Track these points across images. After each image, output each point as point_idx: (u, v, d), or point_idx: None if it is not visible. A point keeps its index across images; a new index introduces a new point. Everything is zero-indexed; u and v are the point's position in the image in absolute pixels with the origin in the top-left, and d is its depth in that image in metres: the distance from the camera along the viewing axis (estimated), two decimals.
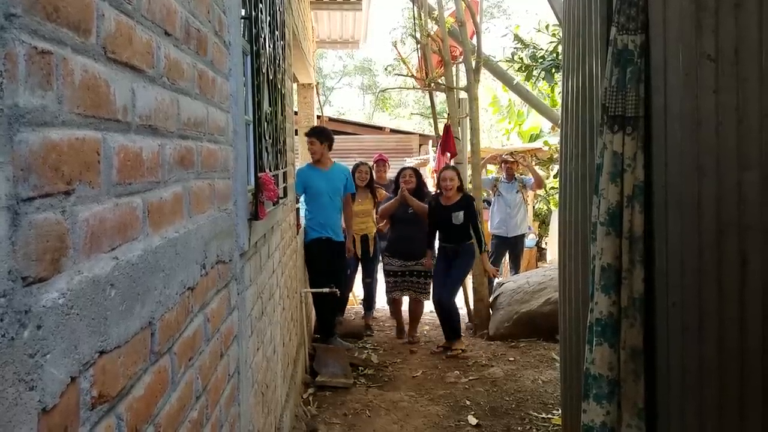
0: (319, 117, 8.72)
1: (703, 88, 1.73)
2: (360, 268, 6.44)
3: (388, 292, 5.87)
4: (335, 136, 13.36)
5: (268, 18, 2.43)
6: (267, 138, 2.34)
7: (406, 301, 5.94)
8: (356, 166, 6.26)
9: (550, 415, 4.03)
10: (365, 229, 6.17)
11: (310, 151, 5.42)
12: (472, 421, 3.96)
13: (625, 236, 1.98)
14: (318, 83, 8.23)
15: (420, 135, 13.65)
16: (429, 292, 5.67)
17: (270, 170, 2.47)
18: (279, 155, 2.80)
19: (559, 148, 2.91)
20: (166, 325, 1.17)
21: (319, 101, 8.07)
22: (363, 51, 29.64)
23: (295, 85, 7.72)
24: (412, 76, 6.79)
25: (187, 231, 1.32)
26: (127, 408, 0.99)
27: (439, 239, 5.56)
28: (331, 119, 13.19)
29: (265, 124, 2.30)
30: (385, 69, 7.76)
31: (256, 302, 2.40)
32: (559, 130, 3.41)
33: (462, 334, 5.60)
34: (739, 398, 1.67)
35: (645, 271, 1.98)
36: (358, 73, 31.70)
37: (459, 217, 5.31)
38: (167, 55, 1.23)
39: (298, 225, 4.91)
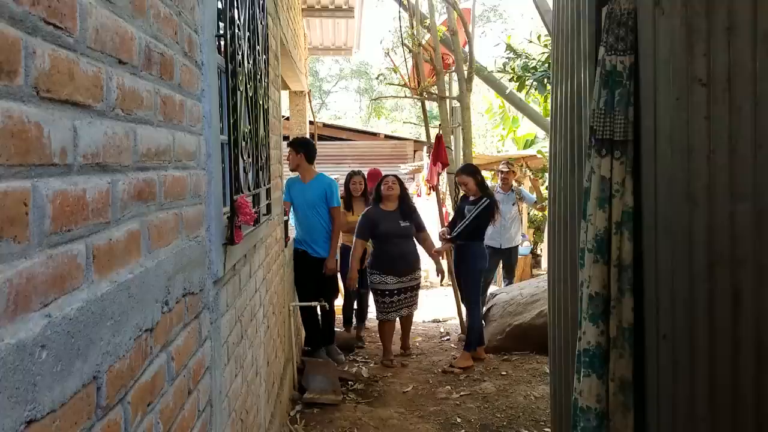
0: (311, 123, 8.65)
1: (694, 113, 1.66)
2: None
3: (384, 312, 5.40)
4: (329, 142, 13.32)
5: (248, 33, 2.35)
6: (245, 157, 2.26)
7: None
8: (349, 177, 6.12)
9: None
10: None
11: (289, 164, 5.25)
12: None
13: (614, 264, 1.90)
14: (310, 90, 8.15)
15: (415, 141, 13.58)
16: (416, 303, 5.57)
17: (249, 190, 2.39)
18: (260, 173, 2.72)
19: (548, 164, 2.84)
20: (116, 376, 1.09)
21: (311, 108, 8.00)
22: (359, 55, 29.60)
23: (286, 93, 7.65)
24: (405, 85, 6.72)
25: (144, 270, 1.24)
26: None
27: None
28: (325, 125, 13.12)
29: (243, 143, 2.22)
30: (377, 78, 7.68)
31: (234, 327, 2.31)
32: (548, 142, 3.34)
33: (474, 348, 5.38)
34: None
35: (634, 301, 1.91)
36: (354, 76, 31.67)
37: (471, 210, 5.39)
38: (120, 86, 1.14)
39: (287, 237, 4.82)
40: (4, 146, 0.76)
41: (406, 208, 5.45)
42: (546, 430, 3.98)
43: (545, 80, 5.74)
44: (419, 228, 5.51)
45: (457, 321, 6.47)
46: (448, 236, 5.43)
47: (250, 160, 2.39)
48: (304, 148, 5.21)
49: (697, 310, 1.67)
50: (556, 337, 2.77)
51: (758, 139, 1.49)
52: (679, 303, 1.74)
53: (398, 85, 6.82)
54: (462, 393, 4.68)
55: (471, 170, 5.58)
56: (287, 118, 8.12)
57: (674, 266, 1.75)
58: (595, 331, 1.94)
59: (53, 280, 0.88)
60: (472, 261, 5.42)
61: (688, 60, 1.66)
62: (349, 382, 4.90)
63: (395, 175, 5.67)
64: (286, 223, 4.74)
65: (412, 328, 5.91)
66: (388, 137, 13.97)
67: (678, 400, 1.78)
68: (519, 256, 9.17)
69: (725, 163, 1.58)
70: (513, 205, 6.88)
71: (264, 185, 2.87)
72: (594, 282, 1.94)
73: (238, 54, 2.12)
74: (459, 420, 4.19)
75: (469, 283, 5.45)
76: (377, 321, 5.55)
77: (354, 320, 6.47)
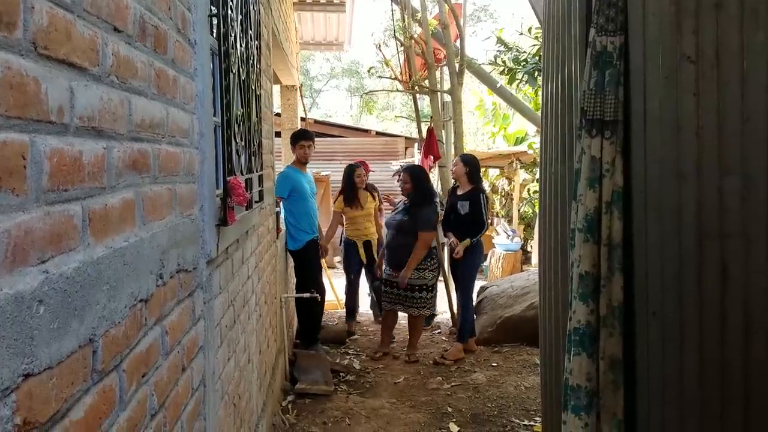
0: (303, 119, 8.64)
1: (683, 90, 1.68)
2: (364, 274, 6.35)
3: (382, 300, 5.42)
4: (320, 139, 13.42)
5: (240, 16, 2.36)
6: (238, 140, 2.27)
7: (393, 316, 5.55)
8: (353, 169, 6.06)
9: (532, 423, 3.98)
10: (368, 234, 6.10)
11: (308, 156, 5.37)
12: (454, 428, 3.90)
13: (604, 243, 1.92)
14: (302, 85, 8.14)
15: (406, 138, 13.60)
16: (424, 307, 5.24)
17: (242, 174, 2.40)
18: (253, 158, 2.72)
19: (539, 152, 2.86)
20: (112, 342, 1.09)
21: (303, 103, 7.99)
22: (351, 53, 29.60)
23: (278, 87, 7.63)
24: (396, 78, 6.73)
25: (139, 239, 1.24)
26: None
27: (449, 229, 5.53)
28: (316, 122, 13.10)
29: (236, 126, 2.22)
30: (368, 71, 7.68)
31: (227, 310, 2.32)
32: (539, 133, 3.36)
33: (466, 340, 5.38)
34: (720, 411, 1.62)
35: (624, 279, 1.93)
36: (345, 75, 31.60)
37: (465, 206, 5.36)
38: (116, 53, 1.15)
39: (279, 229, 4.83)
40: (4, 97, 0.76)
41: (412, 202, 5.19)
42: (536, 419, 4.01)
43: (536, 73, 5.77)
44: (419, 226, 5.12)
45: (448, 314, 6.50)
46: (472, 241, 5.33)
47: (243, 143, 2.39)
48: (314, 140, 5.48)
49: (686, 287, 1.70)
50: (546, 327, 2.79)
51: (745, 114, 1.52)
52: (668, 280, 1.76)
53: (390, 78, 6.83)
54: (453, 384, 4.71)
55: (467, 159, 5.59)
56: (278, 114, 8.10)
57: (663, 243, 1.77)
58: (585, 310, 1.96)
59: (50, 237, 0.88)
60: (475, 255, 5.46)
61: (677, 38, 1.68)
62: (341, 374, 4.91)
63: (409, 170, 5.45)
64: (277, 214, 4.75)
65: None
66: (379, 134, 13.97)
67: (668, 377, 1.80)
68: (510, 252, 9.25)
69: (713, 139, 1.60)
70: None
71: (256, 171, 2.88)
72: (584, 261, 1.96)
73: (230, 35, 2.12)
74: (450, 410, 4.21)
75: (467, 276, 5.44)
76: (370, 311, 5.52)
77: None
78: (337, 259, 10.66)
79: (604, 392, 1.95)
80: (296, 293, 5.33)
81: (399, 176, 5.98)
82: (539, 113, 7.28)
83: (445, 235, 5.72)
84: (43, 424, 0.85)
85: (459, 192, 5.55)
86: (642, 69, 1.83)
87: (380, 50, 7.03)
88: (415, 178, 5.27)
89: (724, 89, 1.57)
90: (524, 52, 6.18)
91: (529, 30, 6.10)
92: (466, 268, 5.43)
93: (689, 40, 1.65)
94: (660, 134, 1.77)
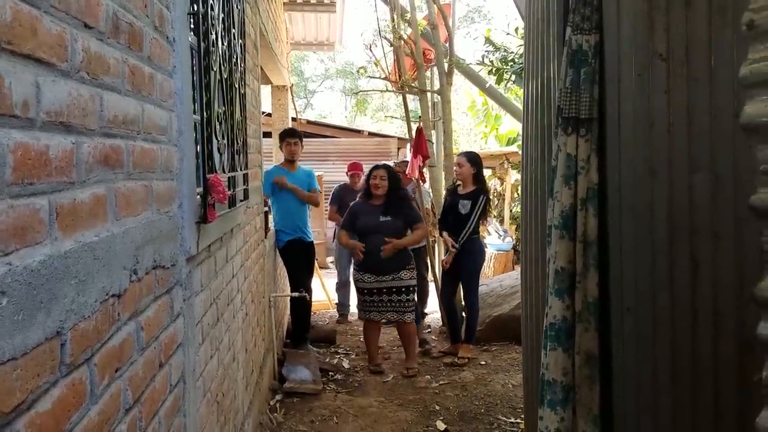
0: (294, 119, 8.64)
1: (655, 88, 1.70)
2: None
3: (365, 311, 5.00)
4: (313, 140, 13.37)
5: (222, 15, 2.37)
6: (219, 138, 2.28)
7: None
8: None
9: (518, 420, 4.00)
10: None
11: (293, 152, 5.41)
12: (441, 426, 3.92)
13: (579, 240, 1.94)
14: (293, 85, 8.14)
15: (398, 138, 13.61)
16: (413, 310, 4.94)
17: (224, 172, 2.40)
18: (237, 156, 2.73)
19: (521, 152, 2.88)
20: (82, 335, 1.10)
21: (294, 103, 7.99)
22: (345, 54, 29.53)
23: (269, 88, 7.64)
24: (386, 78, 6.75)
25: (110, 234, 1.25)
26: (28, 424, 0.92)
27: (447, 229, 5.39)
28: (309, 122, 13.11)
29: (217, 124, 2.23)
30: (358, 71, 7.70)
31: (209, 308, 2.32)
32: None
33: (472, 340, 5.35)
34: (692, 406, 1.64)
35: (599, 275, 1.95)
36: (339, 76, 31.58)
37: (466, 206, 5.23)
38: (86, 49, 1.16)
39: (267, 228, 4.84)
40: None
41: (391, 201, 4.89)
42: (523, 416, 4.03)
43: (523, 73, 5.79)
44: (409, 222, 4.94)
45: (438, 314, 6.51)
46: (455, 247, 5.22)
47: (225, 141, 2.40)
48: (301, 139, 5.54)
49: (659, 283, 1.72)
50: (527, 325, 2.81)
51: (713, 111, 1.54)
52: (641, 276, 1.78)
53: (380, 78, 6.85)
54: (441, 382, 4.73)
55: (474, 159, 5.44)
56: (269, 114, 8.11)
57: (637, 240, 1.79)
58: (561, 306, 1.98)
59: (14, 230, 0.89)
60: (477, 255, 5.41)
61: (649, 36, 1.70)
62: (330, 373, 4.92)
63: (386, 167, 5.11)
64: (265, 213, 4.76)
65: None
66: (372, 134, 13.99)
67: (642, 373, 1.82)
68: (503, 251, 9.27)
69: (683, 136, 1.62)
70: None
71: (240, 169, 2.89)
72: (560, 257, 1.98)
73: (211, 33, 2.13)
74: (438, 408, 4.23)
75: (473, 277, 5.34)
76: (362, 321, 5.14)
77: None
78: (330, 259, 10.66)
79: (580, 387, 1.97)
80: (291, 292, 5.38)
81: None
82: None
83: (441, 235, 5.68)
84: (7, 414, 0.86)
85: (461, 191, 5.40)
86: (616, 67, 1.86)
87: (370, 50, 7.05)
88: (392, 177, 5.00)
89: (693, 86, 1.59)
90: (512, 52, 6.21)
91: (516, 30, 6.13)
92: (469, 269, 5.31)
93: (661, 38, 1.66)
94: (633, 132, 1.79)
